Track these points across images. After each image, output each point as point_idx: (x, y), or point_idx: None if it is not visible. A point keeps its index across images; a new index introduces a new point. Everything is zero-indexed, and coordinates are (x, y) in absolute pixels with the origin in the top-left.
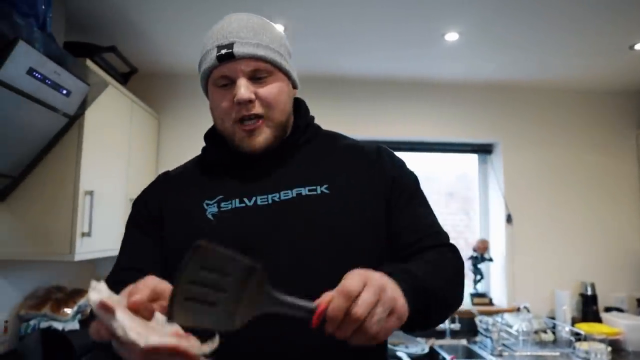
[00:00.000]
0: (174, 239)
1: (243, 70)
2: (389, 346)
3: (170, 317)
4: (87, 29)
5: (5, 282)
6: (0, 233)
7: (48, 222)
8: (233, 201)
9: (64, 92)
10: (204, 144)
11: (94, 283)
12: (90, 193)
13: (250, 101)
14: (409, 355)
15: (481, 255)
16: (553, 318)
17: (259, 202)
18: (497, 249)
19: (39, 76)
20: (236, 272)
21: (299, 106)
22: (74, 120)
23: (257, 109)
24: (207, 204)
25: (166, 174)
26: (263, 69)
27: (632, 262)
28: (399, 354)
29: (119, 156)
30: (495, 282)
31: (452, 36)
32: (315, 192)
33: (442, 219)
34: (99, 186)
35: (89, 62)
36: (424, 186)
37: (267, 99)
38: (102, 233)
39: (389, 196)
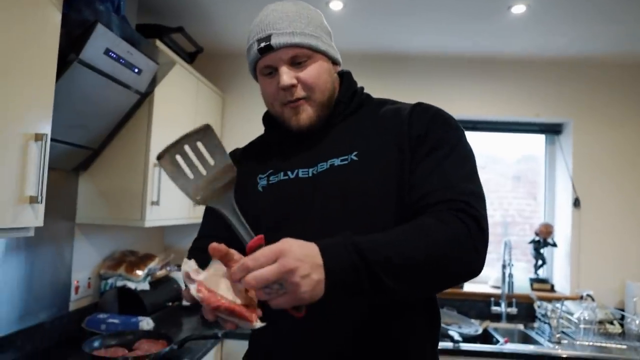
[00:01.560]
0: None
1: (282, 58)
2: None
3: (160, 157)
4: (157, 11)
5: (89, 244)
6: (84, 200)
7: (122, 190)
8: (279, 174)
9: (136, 70)
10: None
11: (185, 260)
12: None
13: (293, 86)
14: (461, 335)
15: (544, 239)
16: (622, 310)
17: (300, 175)
18: (563, 234)
19: (114, 56)
20: (219, 164)
21: (343, 79)
22: (145, 97)
23: (299, 92)
24: (260, 178)
25: (235, 151)
26: (301, 55)
27: None
28: (451, 332)
29: (186, 131)
30: (559, 269)
31: (519, 8)
32: (346, 162)
33: (508, 203)
34: None
35: (158, 43)
36: (489, 168)
37: (307, 81)
38: (169, 202)
39: (413, 155)
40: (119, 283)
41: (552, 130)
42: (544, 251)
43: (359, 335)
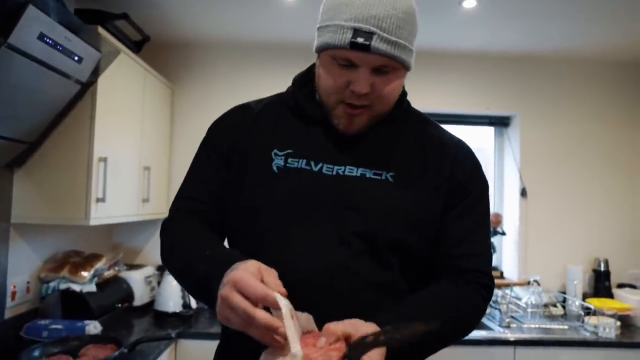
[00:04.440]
0: (238, 181)
1: (372, 63)
2: None
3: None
4: None
5: (26, 245)
6: (21, 198)
7: (64, 187)
8: (300, 160)
9: (76, 58)
10: (218, 114)
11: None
12: (104, 160)
13: (365, 94)
14: None
15: (494, 228)
16: (564, 293)
17: (324, 170)
18: (511, 223)
19: (50, 42)
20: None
21: None
22: (87, 87)
23: (368, 100)
24: (276, 154)
25: (245, 109)
26: (390, 65)
27: None
28: None
29: (133, 124)
30: (507, 256)
31: (469, 3)
32: (379, 177)
33: None
34: (113, 153)
35: (100, 30)
36: None
37: (381, 93)
38: (116, 199)
39: (449, 198)
40: (62, 286)
41: (500, 122)
42: (494, 240)
43: None
